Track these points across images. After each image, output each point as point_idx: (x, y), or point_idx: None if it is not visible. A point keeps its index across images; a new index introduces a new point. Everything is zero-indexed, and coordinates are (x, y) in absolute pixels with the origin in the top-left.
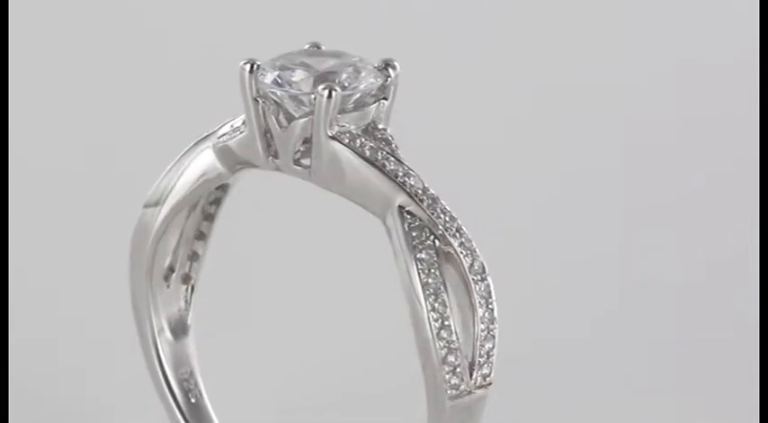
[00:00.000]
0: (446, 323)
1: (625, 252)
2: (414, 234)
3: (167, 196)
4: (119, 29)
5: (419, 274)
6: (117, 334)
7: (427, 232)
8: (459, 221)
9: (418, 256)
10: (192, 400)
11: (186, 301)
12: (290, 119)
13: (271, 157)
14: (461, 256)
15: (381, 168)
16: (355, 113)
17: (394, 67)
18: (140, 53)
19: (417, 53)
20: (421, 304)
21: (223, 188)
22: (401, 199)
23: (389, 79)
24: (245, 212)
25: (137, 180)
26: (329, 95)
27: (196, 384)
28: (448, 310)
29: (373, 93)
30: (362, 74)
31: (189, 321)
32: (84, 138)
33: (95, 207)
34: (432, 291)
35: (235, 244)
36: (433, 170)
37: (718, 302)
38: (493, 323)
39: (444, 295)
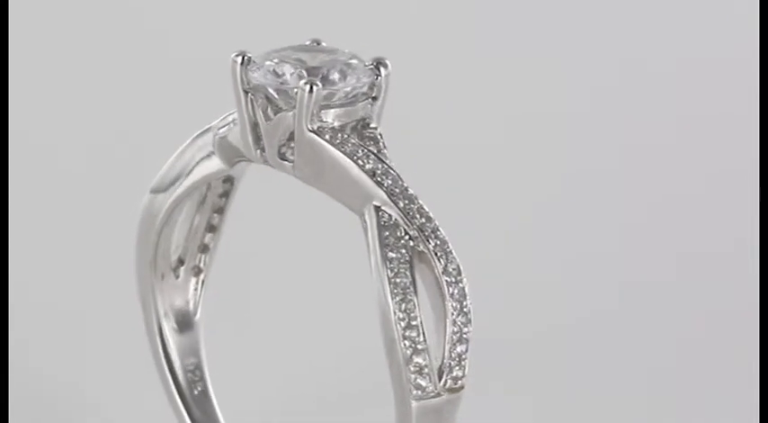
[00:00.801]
0: (413, 323)
1: (620, 252)
2: (386, 233)
3: (170, 186)
4: (130, 19)
5: (388, 272)
6: (118, 333)
7: (401, 232)
8: (437, 222)
9: (389, 255)
10: (195, 392)
11: (196, 293)
12: (278, 112)
13: (259, 151)
14: (435, 257)
15: (360, 166)
16: (341, 110)
17: (385, 66)
18: (147, 47)
19: (418, 53)
20: (387, 303)
21: (230, 181)
22: (377, 198)
23: (379, 78)
24: (252, 211)
25: (139, 176)
26: (310, 90)
27: (202, 377)
28: (417, 310)
29: (363, 91)
30: (352, 71)
31: (197, 314)
32: (86, 132)
33: (95, 204)
34: (400, 290)
35: (244, 240)
36: (425, 169)
37: (717, 303)
38: (467, 326)
39: (413, 295)
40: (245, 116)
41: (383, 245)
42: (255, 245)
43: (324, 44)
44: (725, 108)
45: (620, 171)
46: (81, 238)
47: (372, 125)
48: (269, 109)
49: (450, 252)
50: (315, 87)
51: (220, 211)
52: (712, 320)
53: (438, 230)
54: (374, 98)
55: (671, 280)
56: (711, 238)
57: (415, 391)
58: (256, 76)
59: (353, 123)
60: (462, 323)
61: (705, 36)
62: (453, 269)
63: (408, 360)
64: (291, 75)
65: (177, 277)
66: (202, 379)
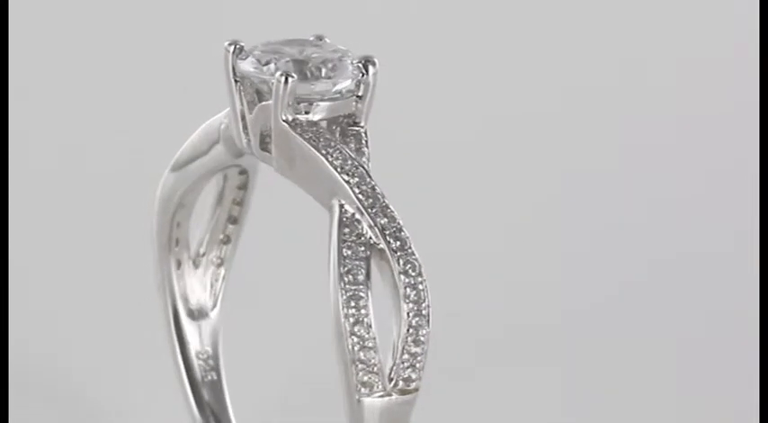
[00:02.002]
0: (362, 320)
1: (620, 251)
2: (346, 229)
3: (182, 168)
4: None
5: (341, 268)
6: (119, 334)
7: (362, 229)
8: (401, 222)
9: (344, 251)
10: (206, 380)
11: (216, 285)
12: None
13: (246, 141)
14: (394, 257)
15: (329, 161)
16: (323, 105)
17: (373, 65)
18: (171, 37)
19: (416, 52)
20: (336, 299)
21: (245, 173)
22: (342, 193)
23: (364, 76)
24: (268, 207)
25: (148, 169)
26: (285, 81)
27: (215, 367)
28: (368, 308)
29: (349, 88)
30: (338, 67)
31: (216, 306)
32: (91, 128)
33: (96, 203)
34: (351, 287)
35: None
36: (425, 169)
37: (716, 304)
38: (423, 328)
39: (365, 293)
40: (236, 106)
41: (340, 241)
42: (266, 242)
43: (326, 40)
44: (725, 108)
45: (619, 170)
46: (81, 236)
47: (360, 123)
48: (256, 99)
49: (412, 253)
50: (290, 79)
51: (240, 203)
52: (712, 319)
53: (401, 231)
54: (359, 96)
55: (671, 279)
56: (711, 237)
57: (362, 389)
58: (244, 66)
59: (340, 120)
60: (419, 325)
61: (705, 36)
62: (412, 270)
63: (355, 357)
64: (275, 66)
65: (197, 267)
66: (216, 369)
